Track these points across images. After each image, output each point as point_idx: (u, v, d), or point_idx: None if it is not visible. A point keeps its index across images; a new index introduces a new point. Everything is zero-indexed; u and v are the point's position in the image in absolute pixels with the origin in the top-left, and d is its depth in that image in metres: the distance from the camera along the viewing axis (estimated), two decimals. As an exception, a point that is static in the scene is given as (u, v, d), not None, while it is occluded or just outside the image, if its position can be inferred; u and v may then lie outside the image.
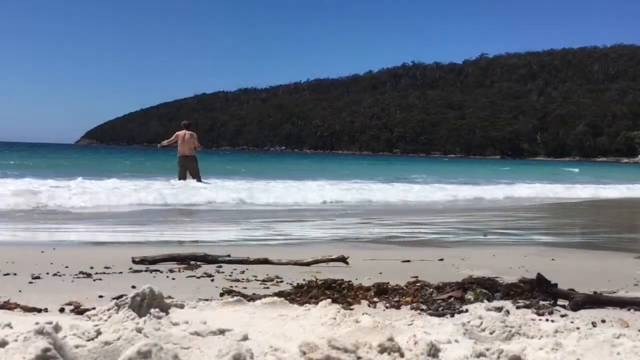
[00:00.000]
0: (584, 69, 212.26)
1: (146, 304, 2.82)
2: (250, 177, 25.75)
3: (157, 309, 2.76)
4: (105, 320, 2.66)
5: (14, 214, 11.71)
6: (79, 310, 3.44)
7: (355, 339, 2.22)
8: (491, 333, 2.70)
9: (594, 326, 3.24)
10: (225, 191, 16.80)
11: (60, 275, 4.96)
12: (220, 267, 5.64)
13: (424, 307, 3.76)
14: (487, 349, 2.36)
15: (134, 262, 5.72)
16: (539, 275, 4.03)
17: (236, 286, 4.61)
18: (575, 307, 3.78)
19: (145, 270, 5.37)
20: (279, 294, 3.86)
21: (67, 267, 5.36)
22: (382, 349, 2.14)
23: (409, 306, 3.80)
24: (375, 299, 4.01)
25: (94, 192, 15.06)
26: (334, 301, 3.65)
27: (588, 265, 6.85)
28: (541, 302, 3.85)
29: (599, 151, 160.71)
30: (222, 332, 2.39)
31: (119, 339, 2.17)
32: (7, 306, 3.43)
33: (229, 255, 6.05)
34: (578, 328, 2.82)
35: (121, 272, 5.22)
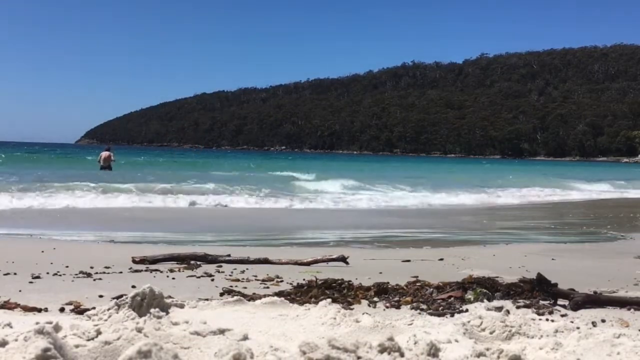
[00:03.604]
0: (584, 69, 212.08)
1: (146, 304, 2.82)
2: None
3: (157, 309, 2.76)
4: (106, 320, 2.67)
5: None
6: (79, 310, 3.44)
7: (355, 339, 2.22)
8: (491, 333, 2.70)
9: (594, 326, 3.25)
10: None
11: (60, 275, 4.96)
12: (221, 266, 5.64)
13: (424, 306, 3.76)
14: (487, 349, 2.36)
15: (134, 261, 5.72)
16: (539, 275, 4.03)
17: (236, 286, 4.61)
18: (576, 306, 3.78)
19: (145, 270, 5.37)
20: (279, 294, 3.86)
21: (67, 267, 5.36)
22: (382, 349, 2.14)
23: (409, 306, 3.81)
24: (375, 299, 4.02)
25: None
26: (334, 301, 3.65)
27: (588, 265, 6.85)
28: (541, 302, 3.85)
29: (599, 151, 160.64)
30: (222, 331, 2.39)
31: (119, 338, 2.16)
32: (7, 306, 3.43)
33: (229, 255, 6.05)
34: (578, 328, 2.82)
35: (121, 272, 5.22)
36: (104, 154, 26.55)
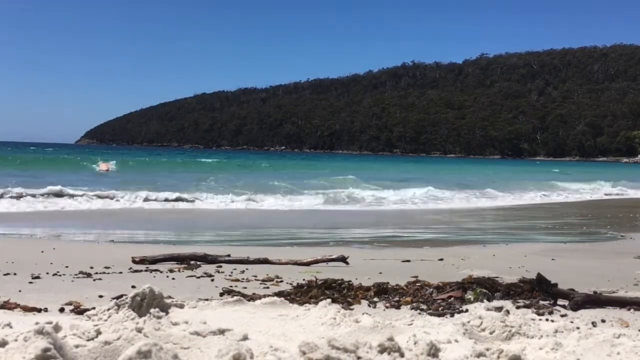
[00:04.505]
0: (584, 69, 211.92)
1: (146, 304, 2.82)
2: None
3: (157, 309, 2.75)
4: (105, 320, 2.66)
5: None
6: (79, 310, 3.44)
7: (355, 339, 2.22)
8: (491, 333, 2.70)
9: (594, 326, 3.24)
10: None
11: (60, 275, 4.95)
12: (220, 267, 5.64)
13: (424, 307, 3.76)
14: (487, 349, 2.36)
15: (134, 262, 5.72)
16: (539, 275, 4.03)
17: (236, 286, 4.61)
18: (575, 307, 3.78)
19: (145, 270, 5.37)
20: (279, 294, 3.86)
21: (67, 267, 5.36)
22: (382, 349, 2.14)
23: (409, 306, 3.80)
24: (375, 299, 4.02)
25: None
26: (334, 301, 3.65)
27: (588, 265, 6.85)
28: (541, 302, 3.85)
29: (599, 151, 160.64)
30: (222, 332, 2.39)
31: (119, 338, 2.16)
32: (7, 306, 3.43)
33: (229, 255, 6.05)
34: (578, 328, 2.82)
35: (121, 272, 5.22)
36: (102, 164, 33.87)
